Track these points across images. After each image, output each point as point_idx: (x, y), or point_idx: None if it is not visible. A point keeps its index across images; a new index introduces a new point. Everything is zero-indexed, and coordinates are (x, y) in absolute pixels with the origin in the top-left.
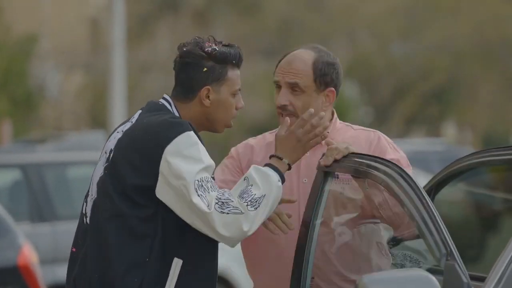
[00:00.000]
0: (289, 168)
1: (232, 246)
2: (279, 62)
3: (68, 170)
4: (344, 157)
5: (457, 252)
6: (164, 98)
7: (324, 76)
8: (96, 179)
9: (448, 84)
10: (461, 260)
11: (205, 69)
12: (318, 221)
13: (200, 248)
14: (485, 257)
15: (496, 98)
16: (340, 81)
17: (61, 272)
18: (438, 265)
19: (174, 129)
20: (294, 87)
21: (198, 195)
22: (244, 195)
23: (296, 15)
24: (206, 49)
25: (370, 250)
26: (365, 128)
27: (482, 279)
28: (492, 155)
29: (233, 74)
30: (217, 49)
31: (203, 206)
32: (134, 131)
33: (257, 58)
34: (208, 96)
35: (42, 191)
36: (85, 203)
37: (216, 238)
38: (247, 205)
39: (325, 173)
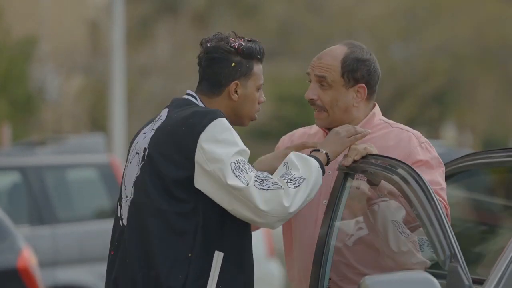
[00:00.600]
0: (329, 160)
1: (273, 226)
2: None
3: (67, 173)
4: (363, 157)
5: (461, 255)
6: (188, 94)
7: (353, 72)
8: (130, 180)
9: (448, 86)
10: (464, 263)
11: (233, 64)
12: (337, 222)
13: (239, 240)
14: (483, 259)
15: (496, 100)
16: (374, 78)
17: (60, 275)
18: (443, 267)
19: (207, 116)
20: (322, 81)
21: (236, 176)
22: (284, 175)
23: (296, 17)
24: (233, 44)
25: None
26: (403, 127)
27: (480, 282)
28: (488, 157)
29: (258, 69)
30: (244, 44)
31: (240, 184)
32: (167, 126)
33: None
34: (236, 91)
35: (42, 194)
36: (119, 206)
37: (257, 218)
38: (287, 182)
39: (346, 173)
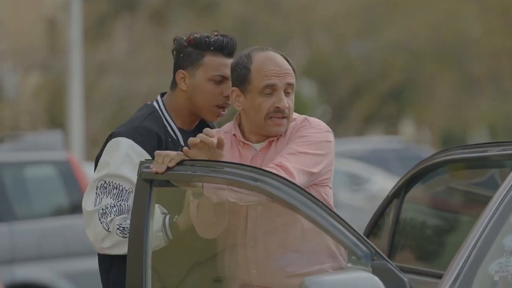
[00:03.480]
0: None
1: (98, 251)
2: (249, 67)
3: (25, 170)
4: (178, 164)
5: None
6: (158, 96)
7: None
8: None
9: (405, 83)
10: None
11: (182, 54)
12: (149, 236)
13: None
14: (444, 254)
15: (453, 97)
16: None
17: (19, 272)
18: (364, 265)
19: (122, 131)
20: (289, 88)
21: (96, 193)
22: (124, 219)
23: (253, 15)
24: (188, 37)
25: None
26: (313, 119)
27: (440, 276)
28: (460, 152)
29: (213, 59)
30: (198, 36)
31: (87, 205)
32: None
33: None
34: (184, 80)
35: None
36: None
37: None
38: (117, 228)
39: (150, 181)
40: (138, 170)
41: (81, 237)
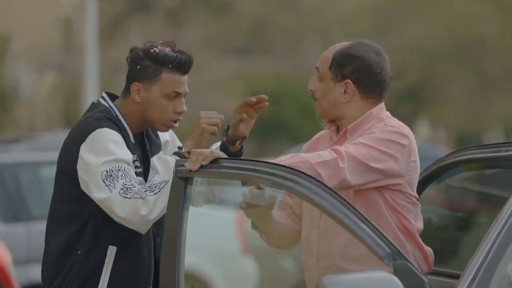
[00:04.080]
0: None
1: (139, 230)
2: None
3: (41, 170)
4: (212, 162)
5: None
6: (102, 95)
7: (340, 66)
8: None
9: (421, 83)
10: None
11: (139, 67)
12: (184, 234)
13: (132, 235)
14: (460, 254)
15: (469, 96)
16: (366, 77)
17: (34, 272)
18: (387, 265)
19: (89, 126)
20: (318, 73)
21: (106, 185)
22: (148, 183)
23: (269, 14)
24: (149, 50)
25: None
26: (389, 121)
27: (457, 277)
28: (475, 152)
29: (169, 77)
30: (157, 50)
31: (102, 195)
32: (66, 137)
33: (230, 57)
34: (139, 93)
35: (16, 191)
36: None
37: (122, 223)
38: (145, 190)
39: (186, 179)
40: (174, 169)
41: None
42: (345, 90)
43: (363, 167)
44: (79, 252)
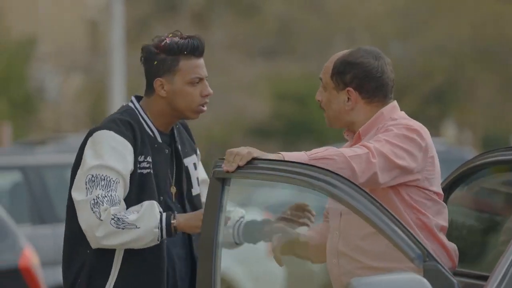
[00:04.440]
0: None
1: (92, 245)
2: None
3: (68, 172)
4: (248, 162)
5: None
6: (131, 99)
7: (340, 75)
8: None
9: (447, 85)
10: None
11: (155, 62)
12: (220, 234)
13: None
14: (488, 256)
15: (496, 98)
16: (367, 82)
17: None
18: (417, 266)
19: (99, 125)
20: (322, 83)
21: (86, 188)
22: (123, 211)
23: (295, 16)
24: (157, 43)
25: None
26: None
27: (484, 278)
28: (503, 154)
29: (187, 64)
30: (168, 41)
31: (77, 196)
32: None
33: (256, 59)
34: (163, 87)
35: (42, 193)
36: None
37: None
38: (111, 218)
39: (223, 179)
40: (211, 169)
41: None
42: (348, 97)
43: (389, 163)
44: (88, 251)
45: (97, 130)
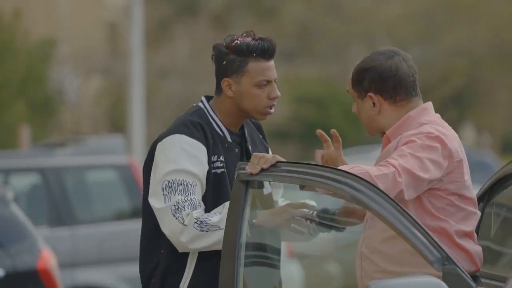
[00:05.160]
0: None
1: (179, 249)
2: None
3: (87, 174)
4: (272, 166)
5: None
6: (201, 99)
7: (359, 83)
8: None
9: (466, 87)
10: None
11: (225, 62)
12: (244, 236)
13: None
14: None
15: None
16: (384, 83)
17: (80, 276)
18: (437, 270)
19: (170, 128)
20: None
21: (164, 195)
22: (206, 215)
23: (315, 18)
24: (228, 43)
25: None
26: (423, 126)
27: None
28: None
29: (256, 65)
30: (239, 42)
31: (156, 204)
32: None
33: (276, 61)
34: (231, 88)
35: (61, 195)
36: None
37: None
38: (195, 222)
39: (246, 182)
40: (236, 172)
41: None
42: (373, 103)
43: (415, 179)
44: (162, 251)
45: (167, 136)
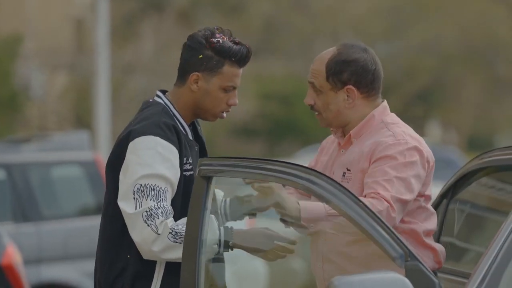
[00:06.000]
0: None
1: (145, 257)
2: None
3: (52, 170)
4: (233, 160)
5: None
6: (157, 93)
7: (338, 74)
8: None
9: (433, 85)
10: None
11: (201, 56)
12: (205, 233)
13: None
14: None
15: (481, 98)
16: (364, 77)
17: (45, 272)
18: (399, 266)
19: (144, 129)
20: (313, 87)
21: (134, 198)
22: (180, 223)
23: (281, 15)
24: (211, 39)
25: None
26: (395, 129)
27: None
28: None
29: (230, 70)
30: (221, 41)
31: (127, 209)
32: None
33: None
34: (197, 83)
35: (26, 191)
36: None
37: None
38: (169, 232)
39: (208, 177)
40: (197, 168)
41: None
42: (347, 95)
43: (404, 204)
44: (129, 256)
45: (140, 136)
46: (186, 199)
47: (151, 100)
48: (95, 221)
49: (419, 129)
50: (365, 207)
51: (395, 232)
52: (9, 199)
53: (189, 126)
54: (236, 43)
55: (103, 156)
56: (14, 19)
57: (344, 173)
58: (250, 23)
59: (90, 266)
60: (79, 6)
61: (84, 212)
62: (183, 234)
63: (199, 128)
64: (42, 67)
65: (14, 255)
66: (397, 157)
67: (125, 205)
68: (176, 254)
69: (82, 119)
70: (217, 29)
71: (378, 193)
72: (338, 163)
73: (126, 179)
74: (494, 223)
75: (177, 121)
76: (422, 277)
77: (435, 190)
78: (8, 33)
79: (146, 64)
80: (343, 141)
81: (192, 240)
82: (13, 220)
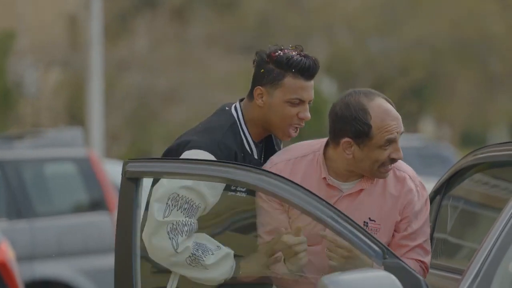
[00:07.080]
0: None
1: (151, 256)
2: (369, 123)
3: (45, 167)
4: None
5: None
6: (236, 104)
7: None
8: None
9: (426, 80)
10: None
11: (262, 70)
12: (137, 235)
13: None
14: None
15: (474, 94)
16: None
17: (38, 269)
18: (378, 265)
19: (200, 140)
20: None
21: (166, 204)
22: (201, 249)
23: (274, 11)
24: (273, 53)
25: None
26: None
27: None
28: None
29: (293, 82)
30: (281, 54)
31: (156, 213)
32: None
33: (235, 55)
34: (262, 97)
35: (20, 188)
36: None
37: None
38: (189, 256)
39: (137, 179)
40: (122, 170)
41: (101, 234)
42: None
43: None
44: None
45: (197, 149)
46: (235, 218)
47: (227, 108)
48: (89, 218)
49: (413, 125)
50: (334, 209)
51: (370, 233)
52: (3, 195)
53: (260, 142)
54: (300, 55)
55: (96, 152)
56: (7, 15)
57: (366, 222)
58: (243, 20)
59: (83, 262)
60: (73, 2)
61: (78, 209)
62: (201, 262)
63: (275, 144)
64: (36, 64)
65: (7, 252)
66: (423, 209)
67: (156, 208)
68: (184, 272)
69: (76, 116)
70: (290, 46)
71: (424, 262)
72: (351, 209)
73: (168, 183)
74: (488, 219)
75: (244, 138)
76: (406, 274)
77: (428, 186)
78: (1, 30)
79: (140, 60)
80: (351, 187)
81: (125, 250)
82: (6, 216)
